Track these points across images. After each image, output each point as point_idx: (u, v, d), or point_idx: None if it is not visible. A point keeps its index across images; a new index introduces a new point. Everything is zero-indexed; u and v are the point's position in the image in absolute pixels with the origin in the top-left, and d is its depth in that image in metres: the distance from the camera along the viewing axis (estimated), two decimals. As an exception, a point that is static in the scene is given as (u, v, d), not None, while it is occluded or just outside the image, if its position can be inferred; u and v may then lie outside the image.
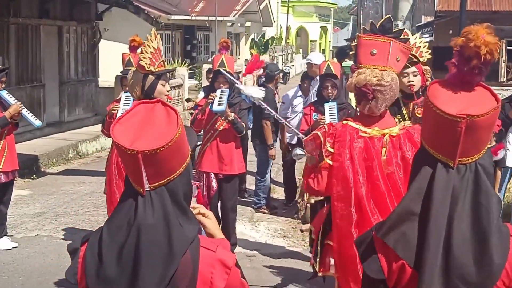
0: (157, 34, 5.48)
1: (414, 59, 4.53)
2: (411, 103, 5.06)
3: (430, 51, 4.73)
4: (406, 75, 4.93)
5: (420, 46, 4.75)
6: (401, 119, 4.90)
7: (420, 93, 5.02)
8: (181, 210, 2.10)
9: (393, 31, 3.94)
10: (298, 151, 5.98)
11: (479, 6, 25.96)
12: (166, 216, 2.05)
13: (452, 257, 2.00)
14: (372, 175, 3.89)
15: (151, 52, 5.30)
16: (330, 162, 3.93)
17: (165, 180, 2.07)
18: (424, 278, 2.00)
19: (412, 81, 4.97)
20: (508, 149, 7.59)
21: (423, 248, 2.02)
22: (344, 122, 4.04)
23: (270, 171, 9.63)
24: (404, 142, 3.88)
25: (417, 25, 16.70)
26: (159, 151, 2.01)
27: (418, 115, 4.87)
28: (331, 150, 3.94)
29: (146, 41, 5.38)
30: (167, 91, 5.48)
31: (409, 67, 4.67)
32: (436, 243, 2.01)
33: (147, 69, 5.30)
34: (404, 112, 5.04)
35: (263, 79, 10.26)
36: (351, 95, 7.80)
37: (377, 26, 3.96)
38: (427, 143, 2.12)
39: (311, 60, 9.10)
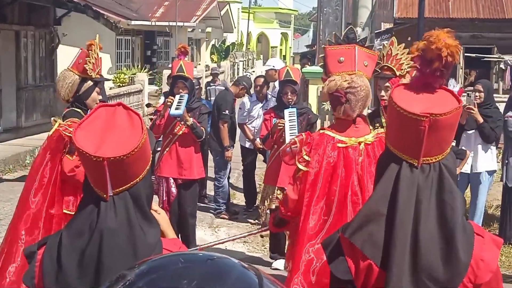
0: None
1: (389, 72, 4.60)
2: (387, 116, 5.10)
3: (411, 63, 4.77)
4: (379, 88, 5.00)
5: (401, 58, 4.80)
6: (378, 126, 4.94)
7: None
8: (143, 213, 2.09)
9: (357, 40, 4.07)
10: None
11: (437, 13, 26.32)
12: (129, 220, 2.04)
13: (419, 255, 2.02)
14: (348, 183, 3.93)
15: (95, 58, 5.24)
16: (305, 169, 3.97)
17: (129, 185, 2.06)
18: (392, 277, 2.02)
19: (383, 96, 5.02)
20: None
21: (390, 248, 2.04)
22: (321, 131, 4.13)
23: (229, 177, 9.60)
24: (378, 150, 3.93)
25: (376, 31, 16.87)
26: (125, 157, 2.00)
27: None
28: (307, 158, 3.98)
29: (93, 47, 5.30)
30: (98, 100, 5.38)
31: (384, 80, 4.76)
32: (403, 242, 2.02)
33: (88, 73, 5.20)
34: (383, 120, 5.11)
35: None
36: (312, 101, 7.83)
37: (341, 37, 4.10)
38: (391, 144, 2.14)
39: (274, 66, 9.10)
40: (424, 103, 2.08)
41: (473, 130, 7.52)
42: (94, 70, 5.23)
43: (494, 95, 22.10)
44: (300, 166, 3.97)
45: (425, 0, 22.71)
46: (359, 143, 3.97)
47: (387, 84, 4.90)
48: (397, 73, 4.81)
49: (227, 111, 9.04)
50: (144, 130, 2.07)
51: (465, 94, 7.63)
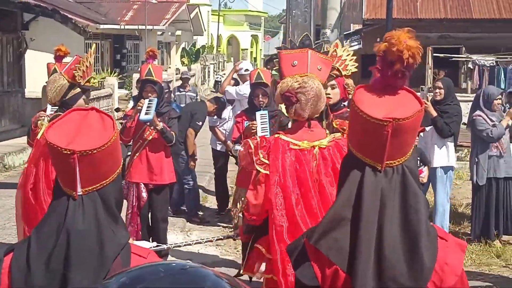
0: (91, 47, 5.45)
1: (337, 72, 4.66)
2: (332, 114, 5.14)
3: (356, 64, 4.85)
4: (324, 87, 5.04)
5: (346, 59, 4.85)
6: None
7: (341, 105, 5.11)
8: (112, 217, 2.09)
9: (313, 46, 4.13)
10: (238, 147, 6.00)
11: (405, 14, 26.52)
12: (97, 221, 2.04)
13: (384, 259, 2.01)
14: (303, 186, 3.96)
15: (86, 66, 5.25)
16: (265, 172, 3.98)
17: (98, 185, 2.06)
18: (357, 282, 2.01)
19: (329, 94, 5.05)
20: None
21: (355, 253, 2.03)
22: (276, 135, 4.14)
23: (195, 181, 9.51)
24: (334, 154, 3.95)
25: (345, 33, 16.92)
26: (96, 151, 2.01)
27: (335, 126, 4.96)
28: (265, 160, 3.99)
29: (86, 54, 5.36)
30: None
31: (331, 80, 4.80)
32: (368, 246, 2.02)
33: (77, 80, 5.21)
34: (324, 122, 5.13)
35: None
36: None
37: (298, 43, 4.17)
38: (354, 148, 2.13)
39: (248, 69, 9.10)
40: (386, 106, 2.07)
41: (430, 126, 7.65)
42: (84, 78, 5.26)
43: (463, 94, 22.36)
44: (260, 169, 3.99)
45: (393, 1, 22.89)
46: (313, 147, 3.99)
47: (333, 82, 4.95)
48: (343, 73, 4.88)
49: (201, 123, 9.06)
50: (115, 130, 2.09)
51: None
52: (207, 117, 9.35)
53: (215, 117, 9.37)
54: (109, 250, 2.02)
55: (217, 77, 34.41)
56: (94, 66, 26.39)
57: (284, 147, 4.00)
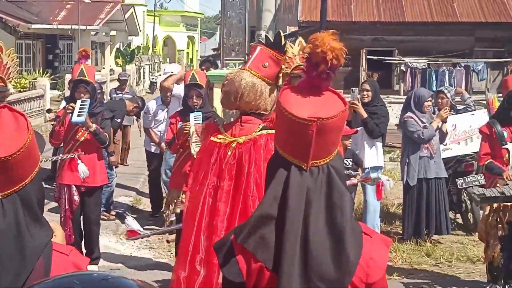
0: (12, 50, 5.29)
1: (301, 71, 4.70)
2: None
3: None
4: None
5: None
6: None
7: None
8: (34, 216, 2.06)
9: (281, 44, 4.15)
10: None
11: (340, 16, 26.85)
12: (17, 223, 2.01)
13: (310, 257, 2.03)
14: (216, 179, 3.99)
15: None
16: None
17: (17, 187, 2.02)
18: (282, 280, 2.03)
19: None
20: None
21: (281, 250, 2.05)
22: (219, 126, 4.21)
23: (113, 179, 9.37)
24: (251, 150, 3.96)
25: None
26: (11, 158, 1.96)
27: None
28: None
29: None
30: None
31: (295, 78, 4.86)
32: (293, 244, 2.04)
33: None
34: None
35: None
36: (217, 104, 7.81)
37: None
38: (280, 147, 2.15)
39: (172, 72, 8.99)
40: (311, 107, 2.09)
41: (360, 128, 7.77)
42: None
43: (396, 96, 22.70)
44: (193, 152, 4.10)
45: (327, 4, 23.13)
46: (231, 142, 4.02)
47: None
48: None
49: (119, 120, 8.97)
50: (30, 131, 2.04)
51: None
52: (138, 117, 9.27)
53: (149, 118, 9.29)
54: (29, 253, 1.99)
55: (152, 78, 34.14)
56: (25, 67, 25.69)
57: (210, 137, 4.07)
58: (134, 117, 11.33)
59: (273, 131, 4.09)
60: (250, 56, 4.19)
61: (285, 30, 27.89)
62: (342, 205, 2.08)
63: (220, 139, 4.02)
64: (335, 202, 2.07)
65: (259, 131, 4.02)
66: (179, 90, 8.29)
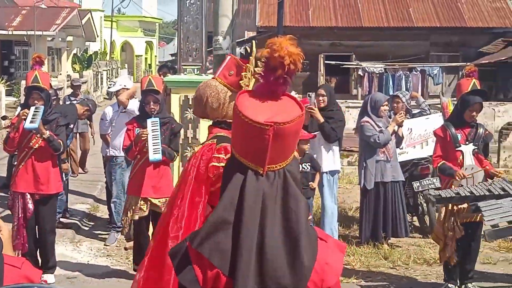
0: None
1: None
2: None
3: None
4: None
5: None
6: None
7: None
8: None
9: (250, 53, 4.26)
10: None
11: (297, 22, 27.02)
12: None
13: (266, 262, 2.04)
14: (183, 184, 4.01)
15: None
16: None
17: None
18: (238, 285, 2.03)
19: None
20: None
21: (236, 256, 2.05)
22: None
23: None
24: (202, 156, 3.96)
25: (237, 40, 17.06)
26: None
27: None
28: None
29: None
30: None
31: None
32: (249, 249, 2.04)
33: None
34: None
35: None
36: (174, 110, 7.77)
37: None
38: (237, 151, 2.15)
39: (125, 86, 8.77)
40: (268, 111, 2.10)
41: (317, 132, 7.82)
42: None
43: (354, 100, 22.88)
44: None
45: (283, 9, 23.22)
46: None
47: None
48: None
49: (72, 126, 8.87)
50: None
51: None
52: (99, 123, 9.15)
53: (106, 124, 9.19)
54: None
55: (110, 84, 33.85)
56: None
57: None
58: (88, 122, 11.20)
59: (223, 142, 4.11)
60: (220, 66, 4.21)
61: (243, 35, 27.94)
62: (297, 210, 2.08)
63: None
64: (291, 207, 2.08)
65: (210, 139, 4.01)
66: (133, 106, 8.19)
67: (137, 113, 7.59)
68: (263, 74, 2.16)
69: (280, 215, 2.07)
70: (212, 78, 4.17)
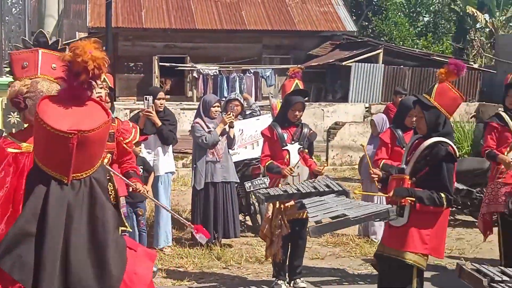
0: None
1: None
2: None
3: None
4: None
5: None
6: None
7: None
8: None
9: (49, 44, 4.00)
10: None
11: (130, 23, 26.68)
12: None
13: (71, 274, 1.98)
14: (15, 190, 3.82)
15: None
16: None
17: None
18: None
19: (100, 92, 5.09)
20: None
21: (40, 269, 1.98)
22: (4, 135, 4.05)
23: None
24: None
25: (68, 41, 16.63)
26: None
27: None
28: None
29: None
30: None
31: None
32: (53, 262, 1.98)
33: None
34: None
35: None
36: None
37: (32, 42, 4.03)
38: (40, 161, 2.07)
39: None
40: (72, 118, 2.04)
41: (153, 135, 7.83)
42: None
43: (190, 102, 22.93)
44: None
45: (116, 10, 22.84)
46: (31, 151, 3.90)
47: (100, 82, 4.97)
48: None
49: None
50: None
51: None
52: None
53: None
54: None
55: None
56: None
57: (5, 149, 3.88)
58: None
59: None
60: (25, 64, 3.98)
61: (74, 36, 27.22)
62: (104, 219, 2.04)
63: (19, 148, 3.85)
64: (98, 216, 2.03)
65: None
66: None
67: None
68: (66, 78, 2.09)
69: (87, 224, 2.02)
70: (34, 77, 3.98)
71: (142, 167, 7.73)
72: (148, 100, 7.78)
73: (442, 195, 4.90)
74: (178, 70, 26.07)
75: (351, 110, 21.42)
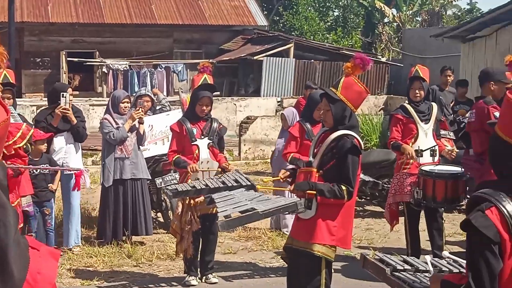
0: None
1: None
2: None
3: None
4: None
5: None
6: None
7: None
8: None
9: None
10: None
11: (36, 17, 25.96)
12: None
13: None
14: None
15: None
16: None
17: None
18: None
19: None
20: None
21: None
22: None
23: None
24: None
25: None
26: None
27: None
28: None
29: None
30: None
31: None
32: None
33: None
34: None
35: None
36: None
37: None
38: None
39: None
40: None
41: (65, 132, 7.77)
42: None
43: (99, 98, 22.48)
44: None
45: (21, 4, 22.18)
46: None
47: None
48: None
49: None
50: None
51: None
52: None
53: None
54: None
55: None
56: None
57: None
58: None
59: None
60: None
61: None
62: (5, 220, 1.95)
63: None
64: None
65: None
66: None
67: None
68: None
69: None
70: None
71: (47, 164, 7.53)
72: (65, 97, 7.65)
73: (343, 187, 4.94)
74: (87, 66, 25.58)
75: (263, 104, 21.56)
